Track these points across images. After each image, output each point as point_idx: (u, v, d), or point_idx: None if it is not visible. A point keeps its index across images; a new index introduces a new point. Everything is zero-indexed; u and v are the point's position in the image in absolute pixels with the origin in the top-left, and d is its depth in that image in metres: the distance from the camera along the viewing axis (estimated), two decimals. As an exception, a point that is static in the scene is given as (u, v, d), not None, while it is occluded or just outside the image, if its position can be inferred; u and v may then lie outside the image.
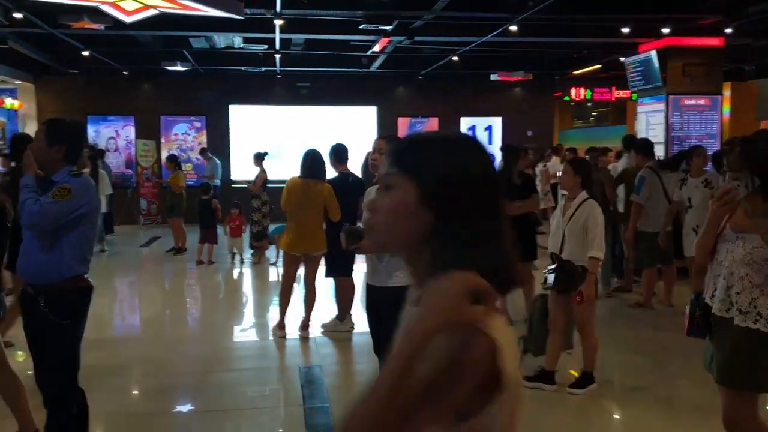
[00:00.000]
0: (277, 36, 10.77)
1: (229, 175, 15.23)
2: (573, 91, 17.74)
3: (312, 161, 6.12)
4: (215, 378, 5.44)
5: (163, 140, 16.01)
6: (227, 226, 10.50)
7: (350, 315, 6.51)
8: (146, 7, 7.83)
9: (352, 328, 6.48)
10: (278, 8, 9.04)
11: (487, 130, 17.31)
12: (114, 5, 7.68)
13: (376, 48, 11.66)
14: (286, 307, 6.39)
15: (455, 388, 1.02)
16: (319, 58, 14.06)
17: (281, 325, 6.38)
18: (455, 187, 1.14)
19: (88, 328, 3.47)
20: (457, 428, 1.06)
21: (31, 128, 15.34)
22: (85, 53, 12.39)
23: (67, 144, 3.32)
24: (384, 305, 3.66)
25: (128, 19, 8.31)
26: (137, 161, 15.67)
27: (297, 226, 6.06)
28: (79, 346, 3.41)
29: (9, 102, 14.45)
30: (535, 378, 4.90)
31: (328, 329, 6.49)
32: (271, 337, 6.45)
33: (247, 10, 9.18)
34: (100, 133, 15.83)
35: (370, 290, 3.90)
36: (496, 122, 17.25)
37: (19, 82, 14.84)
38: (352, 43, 12.35)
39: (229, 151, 15.85)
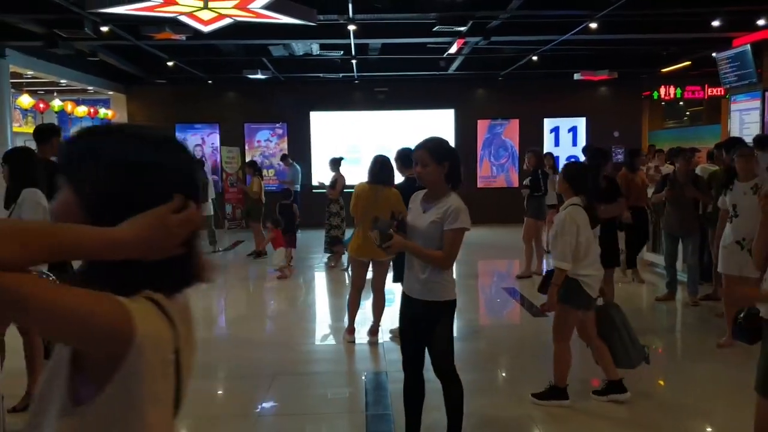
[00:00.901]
0: (352, 41, 10.82)
1: (311, 180, 15.44)
2: (662, 90, 16.91)
3: (380, 167, 6.08)
4: (282, 381, 5.45)
5: (246, 147, 16.42)
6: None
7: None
8: (222, 16, 8.02)
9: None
10: (351, 13, 9.06)
11: (571, 132, 16.80)
12: (191, 15, 7.90)
13: (452, 50, 11.53)
14: (354, 313, 6.37)
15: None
16: (396, 62, 14.05)
17: (350, 330, 6.36)
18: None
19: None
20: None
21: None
22: (170, 63, 12.87)
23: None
24: (420, 320, 3.57)
25: (206, 29, 8.54)
26: (222, 167, 16.15)
27: (364, 232, 6.01)
28: None
29: (102, 112, 15.22)
30: (604, 390, 4.67)
31: (396, 335, 6.40)
32: (340, 342, 6.44)
33: (321, 17, 9.26)
34: (187, 140, 16.38)
35: (405, 300, 3.73)
36: (580, 123, 16.72)
37: (112, 92, 15.60)
38: (428, 45, 12.25)
39: (310, 157, 16.08)
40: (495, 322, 7.75)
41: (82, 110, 14.27)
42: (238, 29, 10.42)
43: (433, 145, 3.52)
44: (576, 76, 14.90)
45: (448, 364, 3.65)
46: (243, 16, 8.02)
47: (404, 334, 3.78)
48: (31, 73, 12.28)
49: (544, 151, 12.85)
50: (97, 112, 14.94)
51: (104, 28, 9.28)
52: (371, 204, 5.87)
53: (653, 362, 4.78)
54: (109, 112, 15.67)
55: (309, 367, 5.91)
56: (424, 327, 3.55)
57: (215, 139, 16.50)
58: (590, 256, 4.45)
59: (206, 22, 8.27)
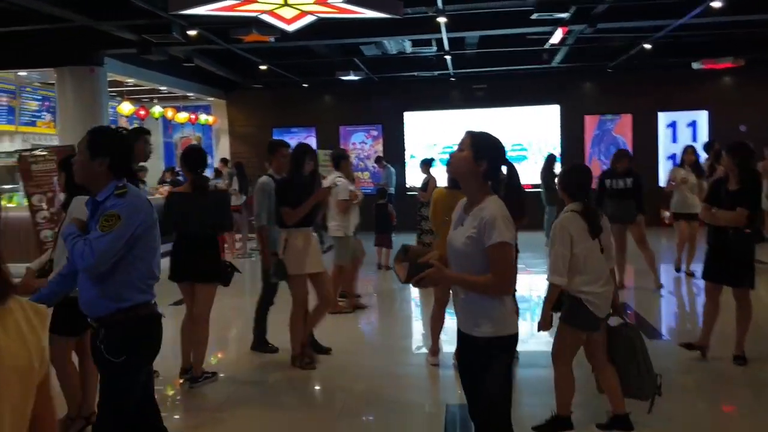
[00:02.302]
0: (444, 35, 10.21)
1: (405, 182, 15.02)
2: (797, 78, 15.17)
3: None
4: (363, 411, 4.95)
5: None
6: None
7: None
8: (304, 13, 7.65)
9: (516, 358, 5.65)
10: (440, 4, 8.47)
11: (691, 126, 15.38)
12: (272, 14, 7.58)
13: (555, 39, 10.65)
14: (438, 331, 5.75)
15: None
16: (495, 56, 13.30)
17: (434, 351, 5.75)
18: None
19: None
20: None
21: (224, 142, 16.29)
22: (263, 67, 12.76)
23: (110, 156, 2.94)
24: (474, 359, 2.80)
25: (289, 28, 8.21)
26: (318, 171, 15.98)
27: (443, 241, 5.40)
28: (135, 386, 3.00)
29: (203, 118, 15.42)
30: (609, 425, 4.04)
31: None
32: (423, 365, 5.83)
33: (408, 10, 8.73)
34: (283, 144, 16.35)
35: (459, 336, 2.95)
36: (702, 117, 15.27)
37: (212, 98, 15.78)
38: (528, 37, 11.44)
39: (404, 159, 15.63)
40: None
41: (182, 116, 14.49)
42: (327, 28, 10.11)
43: (479, 136, 2.82)
44: (695, 66, 13.55)
45: (497, 424, 2.79)
46: (325, 12, 7.61)
47: (462, 378, 3.01)
48: (132, 80, 12.52)
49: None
50: (197, 118, 15.14)
51: (192, 32, 9.18)
52: (449, 211, 5.24)
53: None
54: (210, 118, 15.86)
55: (387, 394, 5.33)
56: (480, 366, 2.76)
57: (312, 142, 16.34)
58: (591, 271, 3.87)
59: (289, 21, 7.94)
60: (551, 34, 10.48)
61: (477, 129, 2.88)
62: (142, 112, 13.22)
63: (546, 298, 3.92)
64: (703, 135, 15.01)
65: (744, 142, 5.52)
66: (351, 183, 7.84)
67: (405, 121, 15.84)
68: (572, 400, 4.07)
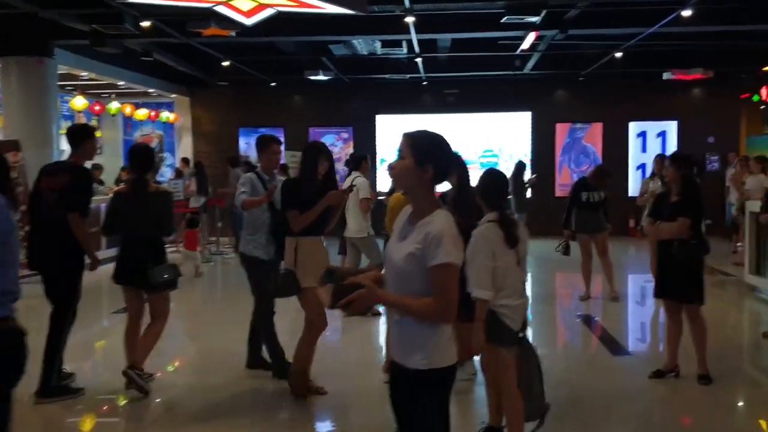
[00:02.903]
0: (413, 36, 9.92)
1: (376, 187, 14.68)
2: (764, 91, 15.16)
3: None
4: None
5: (310, 151, 15.79)
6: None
7: (472, 360, 5.35)
8: (262, 6, 7.29)
9: (474, 375, 5.32)
10: (407, 3, 8.17)
11: (660, 137, 15.31)
12: (229, 5, 7.22)
13: (526, 45, 10.44)
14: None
15: None
16: (467, 61, 13.08)
17: (386, 369, 5.39)
18: None
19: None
20: None
21: (186, 140, 15.81)
22: (225, 63, 12.34)
23: None
24: (405, 391, 2.41)
25: (248, 21, 7.84)
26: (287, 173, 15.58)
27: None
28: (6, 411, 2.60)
29: (164, 115, 14.92)
30: None
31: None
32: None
33: (375, 8, 8.44)
34: (251, 145, 15.91)
35: (392, 364, 2.54)
36: (671, 127, 15.21)
37: (175, 95, 15.29)
38: (500, 42, 11.23)
39: (375, 162, 15.28)
40: (558, 364, 6.61)
41: (142, 113, 13.98)
42: (292, 24, 9.77)
43: (418, 137, 2.43)
44: (666, 76, 13.47)
45: None
46: (284, 6, 7.27)
47: (393, 408, 2.56)
48: (87, 74, 12.01)
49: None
50: (158, 115, 14.64)
51: (145, 23, 8.74)
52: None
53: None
54: (172, 116, 15.36)
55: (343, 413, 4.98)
56: (409, 400, 2.40)
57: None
58: (510, 284, 3.66)
59: (247, 14, 7.57)
60: (523, 39, 10.26)
61: (413, 129, 2.50)
62: (97, 108, 12.69)
63: (477, 317, 3.57)
64: (673, 145, 14.95)
65: (686, 153, 5.39)
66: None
67: (377, 124, 15.51)
68: (523, 423, 3.74)
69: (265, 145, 5.33)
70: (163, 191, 5.35)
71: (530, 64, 13.02)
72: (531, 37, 9.89)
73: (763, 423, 4.60)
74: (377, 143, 15.48)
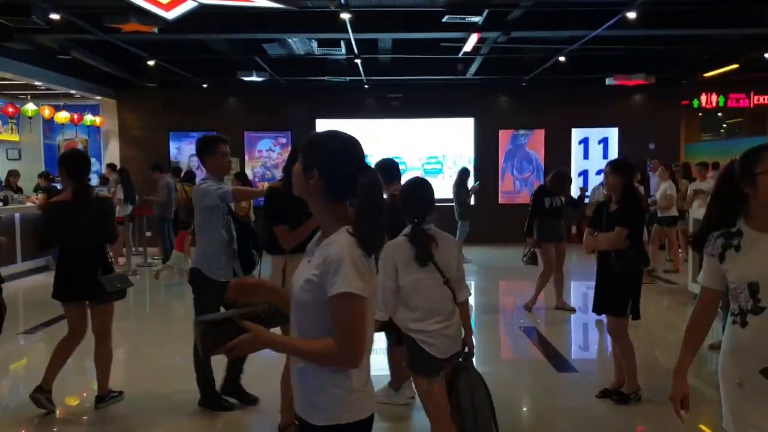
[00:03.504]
0: (351, 35, 9.42)
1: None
2: (703, 98, 15.32)
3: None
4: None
5: (246, 157, 15.11)
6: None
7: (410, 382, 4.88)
8: (182, -2, 6.70)
9: (413, 398, 4.87)
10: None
11: (602, 143, 15.23)
12: (146, -3, 6.60)
13: (468, 46, 10.08)
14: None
15: None
16: (409, 64, 12.67)
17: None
18: None
19: None
20: None
21: (113, 145, 14.92)
22: (151, 63, 11.59)
23: None
24: None
25: (168, 15, 7.23)
26: (220, 179, 14.86)
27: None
28: None
29: (89, 118, 14.01)
30: None
31: (379, 401, 4.91)
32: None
33: (308, 3, 7.93)
34: (182, 150, 15.14)
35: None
36: (613, 134, 15.15)
37: (100, 97, 14.39)
38: (442, 44, 10.86)
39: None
40: (502, 378, 6.20)
41: (63, 116, 13.04)
42: (222, 21, 9.18)
43: (310, 137, 2.02)
44: (608, 81, 13.36)
45: None
46: (208, -2, 6.70)
47: None
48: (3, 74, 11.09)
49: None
50: (81, 118, 13.71)
51: (55, 16, 7.98)
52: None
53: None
54: (97, 119, 14.44)
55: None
56: None
57: (213, 148, 15.19)
58: (420, 306, 3.26)
59: (166, 6, 6.97)
60: (465, 41, 9.91)
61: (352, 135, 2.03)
62: (11, 110, 11.73)
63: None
64: (614, 152, 14.88)
65: (627, 160, 5.14)
66: None
67: (317, 129, 14.92)
68: None
69: (211, 147, 4.57)
70: (105, 197, 5.22)
71: (473, 68, 12.71)
72: (473, 39, 9.54)
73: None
74: (317, 149, 14.88)
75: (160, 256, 11.97)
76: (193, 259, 4.80)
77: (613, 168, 4.85)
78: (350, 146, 1.95)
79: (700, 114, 17.58)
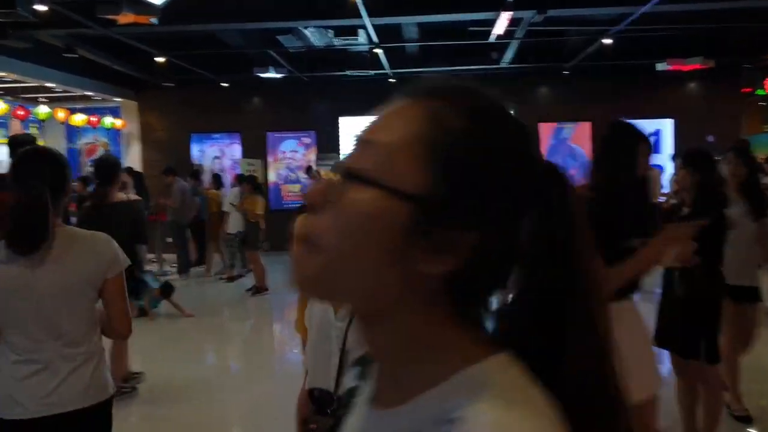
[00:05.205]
0: (366, 21, 8.52)
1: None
2: (768, 84, 13.92)
3: None
4: None
5: (270, 159, 14.39)
6: None
7: None
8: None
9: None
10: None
11: (655, 135, 13.97)
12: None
13: (499, 29, 9.07)
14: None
15: None
16: (438, 54, 11.74)
17: None
18: None
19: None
20: None
21: (135, 148, 14.39)
22: (160, 59, 10.91)
23: None
24: None
25: (157, 1, 6.47)
26: (242, 183, 14.16)
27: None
28: None
29: (108, 121, 13.47)
30: None
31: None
32: None
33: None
34: (204, 152, 14.51)
35: None
36: (666, 126, 13.88)
37: (120, 99, 13.85)
38: (470, 29, 9.88)
39: (340, 169, 13.90)
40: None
41: (79, 119, 12.51)
42: (226, 9, 8.45)
43: None
44: (660, 67, 12.11)
45: None
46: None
47: None
48: (9, 75, 10.57)
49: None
50: (99, 121, 13.18)
51: (41, 7, 7.31)
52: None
53: None
54: (118, 122, 13.90)
55: None
56: None
57: (237, 150, 14.53)
58: None
59: (151, -11, 6.21)
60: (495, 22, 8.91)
61: None
62: (21, 113, 11.22)
63: None
64: (668, 146, 13.63)
65: (705, 150, 3.92)
66: None
67: (339, 127, 14.09)
68: None
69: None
70: (134, 200, 5.31)
71: (508, 55, 11.67)
72: (504, 19, 8.53)
73: None
74: (341, 149, 14.02)
75: (177, 263, 11.30)
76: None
77: (686, 160, 3.77)
78: None
79: (764, 102, 16.09)
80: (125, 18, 7.69)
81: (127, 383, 5.22)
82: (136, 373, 5.43)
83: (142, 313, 7.38)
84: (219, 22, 8.84)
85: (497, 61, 12.11)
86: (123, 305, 2.45)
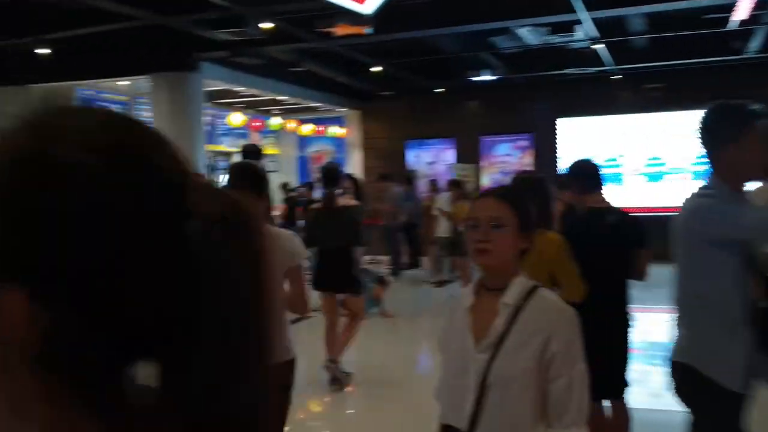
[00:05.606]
0: (585, 14, 7.97)
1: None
2: None
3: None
4: None
5: (484, 163, 14.22)
6: None
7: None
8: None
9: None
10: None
11: None
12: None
13: (741, 14, 7.98)
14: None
15: None
16: (670, 45, 10.67)
17: None
18: None
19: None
20: None
21: (356, 156, 15.08)
22: (376, 69, 11.20)
23: None
24: None
25: (364, 9, 6.64)
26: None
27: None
28: None
29: (333, 130, 14.26)
30: None
31: None
32: None
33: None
34: (419, 158, 14.76)
35: None
36: None
37: (345, 109, 14.59)
38: (703, 17, 8.85)
39: (556, 173, 13.30)
40: None
41: (307, 129, 13.40)
42: (439, 15, 8.45)
43: None
44: None
45: None
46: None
47: None
48: (240, 89, 11.61)
49: None
50: (325, 130, 14.00)
51: (267, 25, 7.86)
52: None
53: None
54: (342, 130, 14.67)
55: None
56: None
57: (451, 155, 14.57)
58: None
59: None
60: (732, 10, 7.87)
61: None
62: (257, 124, 12.26)
63: None
64: None
65: None
66: None
67: (557, 129, 13.48)
68: None
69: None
70: (354, 205, 5.68)
71: (754, 44, 10.28)
72: (747, 1, 7.47)
73: None
74: (559, 151, 13.37)
75: (389, 264, 11.60)
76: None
77: None
78: None
79: None
80: (342, 29, 8.05)
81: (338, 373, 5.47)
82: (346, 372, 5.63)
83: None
84: (428, 27, 8.85)
85: (740, 51, 10.72)
86: (301, 288, 2.96)
